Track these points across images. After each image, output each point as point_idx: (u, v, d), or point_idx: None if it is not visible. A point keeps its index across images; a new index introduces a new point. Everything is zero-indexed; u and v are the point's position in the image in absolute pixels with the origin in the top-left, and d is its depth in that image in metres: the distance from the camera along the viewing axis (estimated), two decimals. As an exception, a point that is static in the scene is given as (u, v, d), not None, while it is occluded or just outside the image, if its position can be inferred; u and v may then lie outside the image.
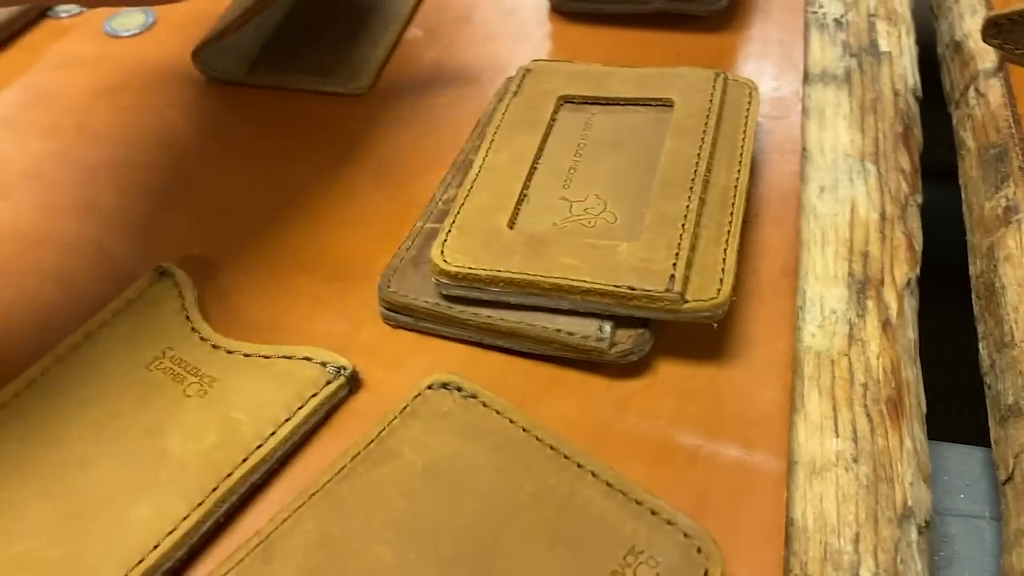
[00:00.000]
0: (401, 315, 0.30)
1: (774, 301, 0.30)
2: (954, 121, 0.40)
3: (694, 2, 0.41)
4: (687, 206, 0.29)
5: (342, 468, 0.24)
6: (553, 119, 0.34)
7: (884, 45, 0.41)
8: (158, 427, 0.27)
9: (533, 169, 0.32)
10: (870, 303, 0.31)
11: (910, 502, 0.27)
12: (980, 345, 0.33)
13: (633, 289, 0.27)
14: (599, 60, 0.38)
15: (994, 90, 0.38)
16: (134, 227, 0.35)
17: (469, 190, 0.31)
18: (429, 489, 0.24)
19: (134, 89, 0.42)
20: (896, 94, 0.38)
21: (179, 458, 0.26)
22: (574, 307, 0.28)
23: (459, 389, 0.26)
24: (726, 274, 0.28)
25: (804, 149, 0.36)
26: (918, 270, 0.33)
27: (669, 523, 0.23)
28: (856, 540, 0.25)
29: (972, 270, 0.35)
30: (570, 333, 0.28)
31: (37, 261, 0.34)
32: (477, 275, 0.28)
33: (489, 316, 0.29)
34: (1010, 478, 0.28)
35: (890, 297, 0.31)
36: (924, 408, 0.30)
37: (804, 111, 0.37)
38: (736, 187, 0.31)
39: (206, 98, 0.41)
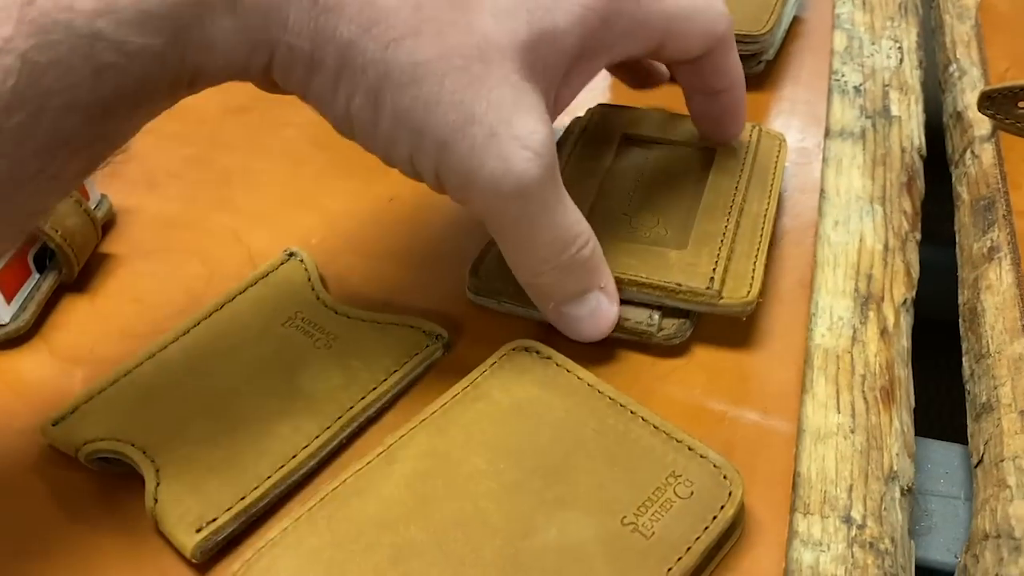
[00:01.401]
0: (486, 297, 0.37)
1: (792, 306, 0.36)
2: (953, 179, 0.47)
3: (735, 65, 0.48)
4: (726, 226, 0.36)
5: (445, 403, 0.31)
6: (617, 152, 0.41)
7: (895, 110, 0.48)
8: (293, 369, 0.34)
9: (601, 189, 0.39)
10: (871, 314, 0.37)
11: (895, 468, 0.33)
12: (964, 359, 0.39)
13: (680, 285, 0.34)
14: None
15: (987, 152, 0.45)
16: (262, 220, 0.42)
17: None
18: (514, 420, 0.30)
19: (257, 110, 0.49)
20: (903, 151, 0.45)
21: (311, 393, 0.33)
22: (631, 298, 0.35)
23: (537, 351, 0.33)
24: (755, 279, 0.34)
25: (822, 190, 0.42)
26: (914, 292, 0.39)
27: (702, 456, 0.29)
28: (850, 490, 0.31)
29: (960, 299, 0.41)
30: (626, 319, 0.35)
31: (183, 241, 0.41)
32: None
33: None
34: (980, 461, 0.35)
35: (888, 311, 0.38)
36: (912, 403, 0.37)
37: (824, 160, 0.44)
38: (766, 216, 0.37)
39: (317, 119, 0.48)
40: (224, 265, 0.40)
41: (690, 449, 0.29)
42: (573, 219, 0.32)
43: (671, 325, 0.35)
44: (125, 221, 0.42)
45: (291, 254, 0.39)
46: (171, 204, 0.43)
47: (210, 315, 0.36)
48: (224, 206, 0.43)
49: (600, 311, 0.34)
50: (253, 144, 0.47)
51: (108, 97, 0.25)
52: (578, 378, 0.32)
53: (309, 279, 0.38)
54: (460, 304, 0.38)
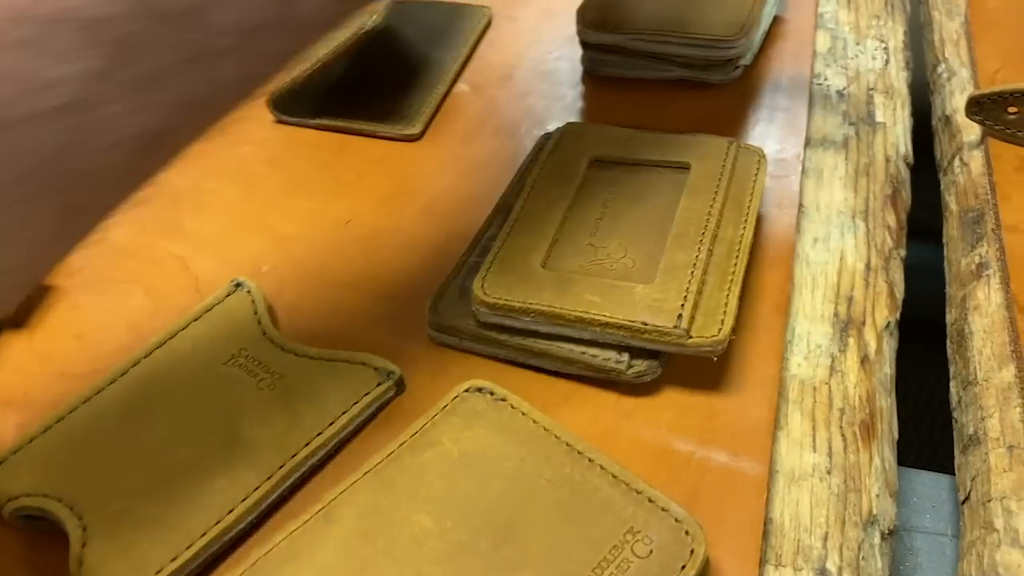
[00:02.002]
0: (446, 335, 0.35)
1: (766, 335, 0.34)
2: (942, 186, 0.45)
3: (711, 72, 0.46)
4: (696, 255, 0.34)
5: (391, 452, 0.29)
6: (585, 175, 0.39)
7: (880, 116, 0.45)
8: (234, 413, 0.32)
9: (565, 217, 0.37)
10: (851, 340, 0.35)
11: (875, 511, 0.31)
12: (951, 384, 0.37)
13: (646, 324, 0.32)
14: (625, 120, 0.44)
15: (976, 160, 0.43)
16: (212, 246, 0.40)
17: (509, 232, 0.36)
18: (463, 472, 0.28)
19: (214, 127, 0.47)
20: (888, 160, 0.43)
21: (251, 440, 0.31)
22: (594, 337, 0.32)
23: (492, 393, 0.31)
24: (727, 316, 0.32)
25: (802, 205, 0.40)
26: (898, 315, 0.37)
27: (663, 509, 0.27)
28: (825, 538, 0.29)
29: (948, 318, 0.39)
30: (593, 355, 0.33)
31: (128, 271, 0.39)
32: (512, 306, 0.33)
33: (523, 339, 0.33)
34: (967, 498, 0.32)
35: (870, 336, 0.36)
36: (896, 434, 0.34)
37: (804, 171, 0.42)
38: (741, 242, 0.35)
39: (274, 137, 0.47)
40: (169, 296, 0.38)
41: (651, 501, 0.27)
42: None
43: (641, 362, 0.33)
44: (69, 249, 0.40)
45: (238, 285, 0.37)
46: (118, 230, 0.41)
47: (150, 353, 0.34)
48: (172, 232, 0.41)
49: None
50: (206, 163, 0.45)
51: None
52: (534, 422, 0.30)
53: (255, 312, 0.36)
54: (417, 336, 0.35)
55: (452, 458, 0.29)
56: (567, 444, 0.29)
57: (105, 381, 0.33)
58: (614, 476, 0.28)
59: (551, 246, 0.35)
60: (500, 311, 0.33)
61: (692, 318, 0.32)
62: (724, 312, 0.32)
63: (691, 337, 0.31)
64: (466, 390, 0.31)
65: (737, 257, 0.34)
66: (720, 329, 0.32)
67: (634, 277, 0.34)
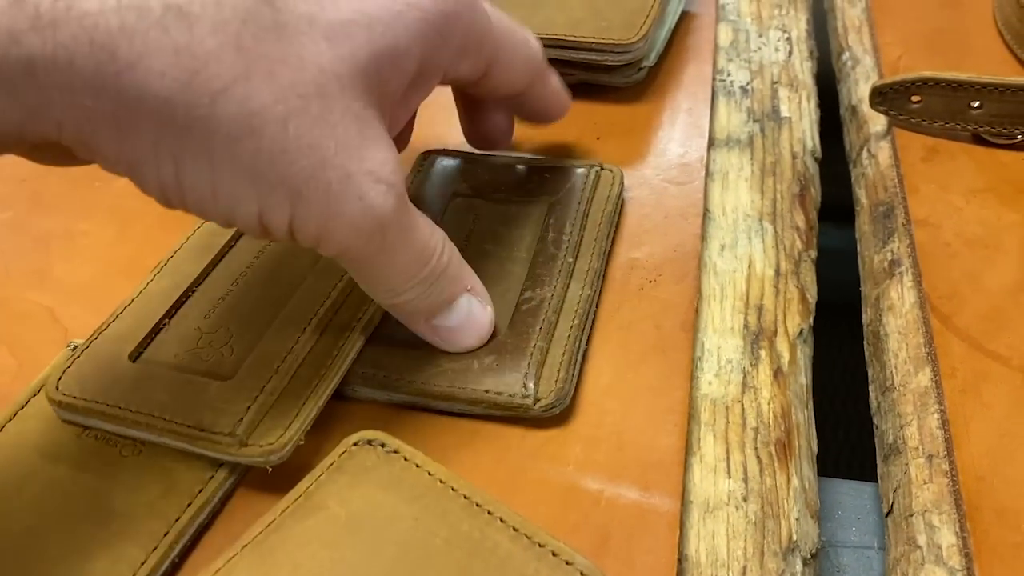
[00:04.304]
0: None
1: (674, 354, 0.33)
2: (852, 179, 0.44)
3: (613, 75, 0.44)
4: (294, 344, 0.31)
5: (271, 522, 0.27)
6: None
7: (785, 111, 0.44)
8: (102, 487, 0.29)
9: (187, 295, 0.34)
10: (763, 353, 0.34)
11: (795, 536, 0.29)
12: (870, 388, 0.36)
13: (201, 430, 0.29)
14: (523, 127, 0.42)
15: (884, 151, 0.42)
16: (83, 294, 0.37)
17: (119, 312, 0.33)
18: (351, 539, 0.26)
19: (85, 160, 0.44)
20: (795, 156, 0.42)
21: (126, 512, 0.28)
22: (161, 443, 0.29)
23: (383, 445, 0.29)
24: (299, 418, 0.29)
25: (707, 210, 0.39)
26: (811, 320, 0.36)
27: (568, 563, 0.25)
28: (743, 573, 0.28)
29: (864, 319, 0.38)
30: (498, 393, 0.31)
31: (-10, 328, 0.36)
32: (77, 406, 0.30)
33: (423, 382, 0.31)
34: (890, 511, 0.31)
35: (782, 347, 0.34)
36: (815, 448, 0.33)
37: (709, 174, 0.40)
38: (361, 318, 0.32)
39: (154, 168, 0.43)
40: (36, 353, 0.35)
41: (554, 555, 0.25)
42: (427, 232, 0.30)
43: (548, 393, 0.31)
44: (-75, 308, 0.37)
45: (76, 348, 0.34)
46: (-22, 283, 0.38)
47: (0, 429, 0.31)
48: (40, 280, 0.38)
49: (473, 315, 0.32)
50: (77, 202, 0.42)
51: None
52: (429, 474, 0.28)
53: (121, 369, 0.33)
54: (308, 379, 0.33)
55: (339, 523, 0.26)
56: (464, 497, 0.27)
57: (-46, 464, 0.30)
58: (515, 529, 0.26)
59: (154, 331, 0.33)
60: (70, 412, 0.30)
61: (257, 422, 0.29)
62: (297, 413, 0.29)
63: (246, 445, 0.29)
64: (355, 444, 0.29)
65: (344, 343, 0.32)
66: (282, 435, 0.29)
67: (223, 370, 0.31)
